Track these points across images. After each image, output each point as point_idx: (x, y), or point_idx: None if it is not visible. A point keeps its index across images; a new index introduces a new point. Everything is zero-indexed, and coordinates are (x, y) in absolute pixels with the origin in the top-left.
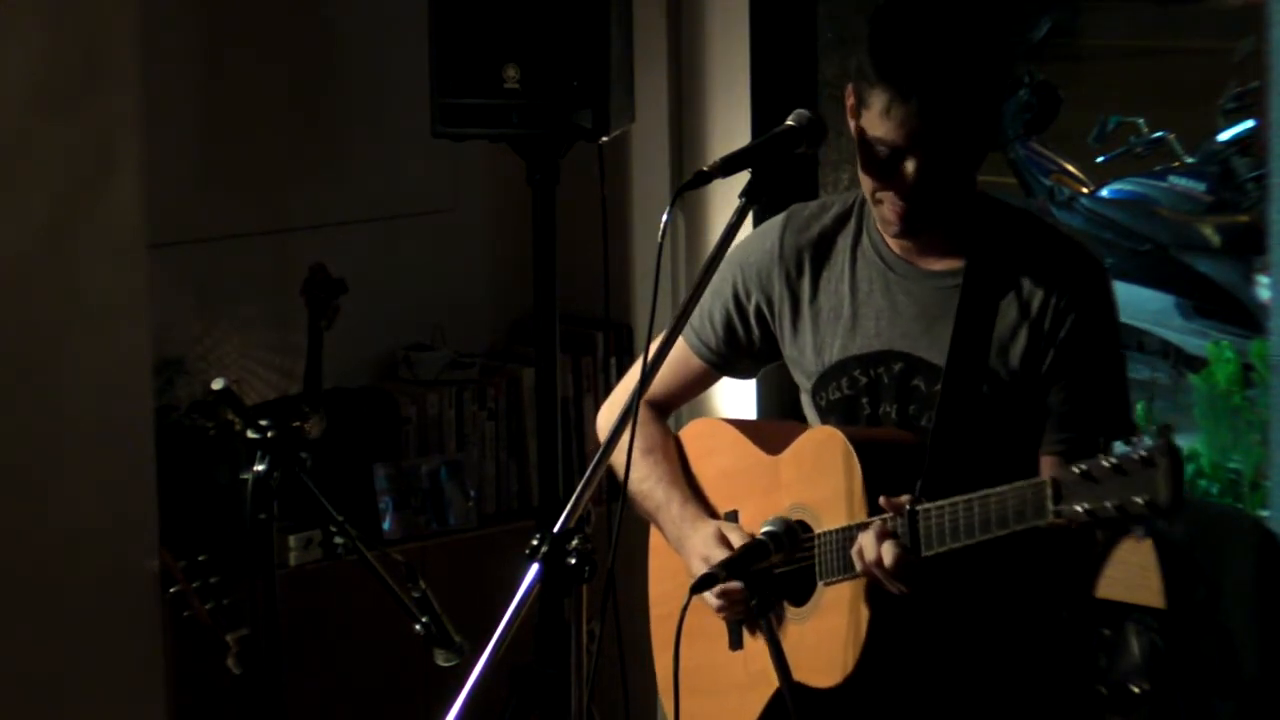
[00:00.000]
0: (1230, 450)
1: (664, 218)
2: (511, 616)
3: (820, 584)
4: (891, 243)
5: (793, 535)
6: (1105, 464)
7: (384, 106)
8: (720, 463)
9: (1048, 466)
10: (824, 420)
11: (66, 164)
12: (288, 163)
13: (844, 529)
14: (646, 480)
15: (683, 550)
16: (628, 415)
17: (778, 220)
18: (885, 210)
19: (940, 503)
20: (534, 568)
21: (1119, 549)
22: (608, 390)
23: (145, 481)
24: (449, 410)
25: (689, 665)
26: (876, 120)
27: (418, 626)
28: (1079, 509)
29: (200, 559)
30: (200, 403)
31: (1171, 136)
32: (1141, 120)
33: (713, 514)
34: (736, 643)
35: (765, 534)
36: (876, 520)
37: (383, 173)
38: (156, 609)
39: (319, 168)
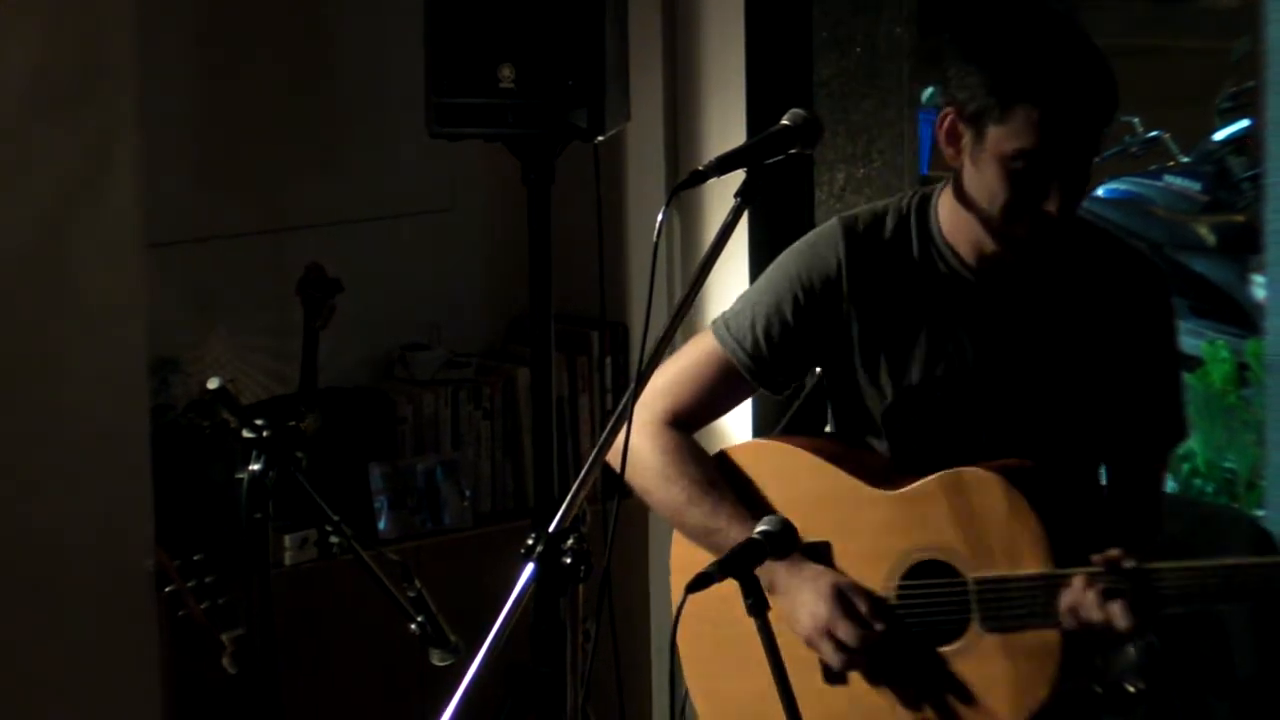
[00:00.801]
0: (1225, 450)
1: (659, 217)
2: (507, 616)
3: (978, 629)
4: (965, 254)
5: (789, 535)
6: None
7: (380, 106)
8: (798, 490)
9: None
10: (896, 441)
11: (65, 164)
12: (284, 162)
13: (1025, 577)
14: (715, 516)
15: (783, 597)
16: (623, 417)
17: (833, 235)
18: (1018, 229)
19: (1176, 565)
20: (529, 567)
21: None
22: (603, 389)
23: (141, 481)
24: (445, 410)
25: (751, 693)
26: (1021, 132)
27: (413, 626)
28: None
29: (195, 558)
30: (196, 402)
31: (1167, 136)
32: (1137, 120)
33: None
34: (838, 677)
35: (760, 533)
36: (1079, 575)
37: (379, 172)
38: (152, 608)
39: (315, 167)
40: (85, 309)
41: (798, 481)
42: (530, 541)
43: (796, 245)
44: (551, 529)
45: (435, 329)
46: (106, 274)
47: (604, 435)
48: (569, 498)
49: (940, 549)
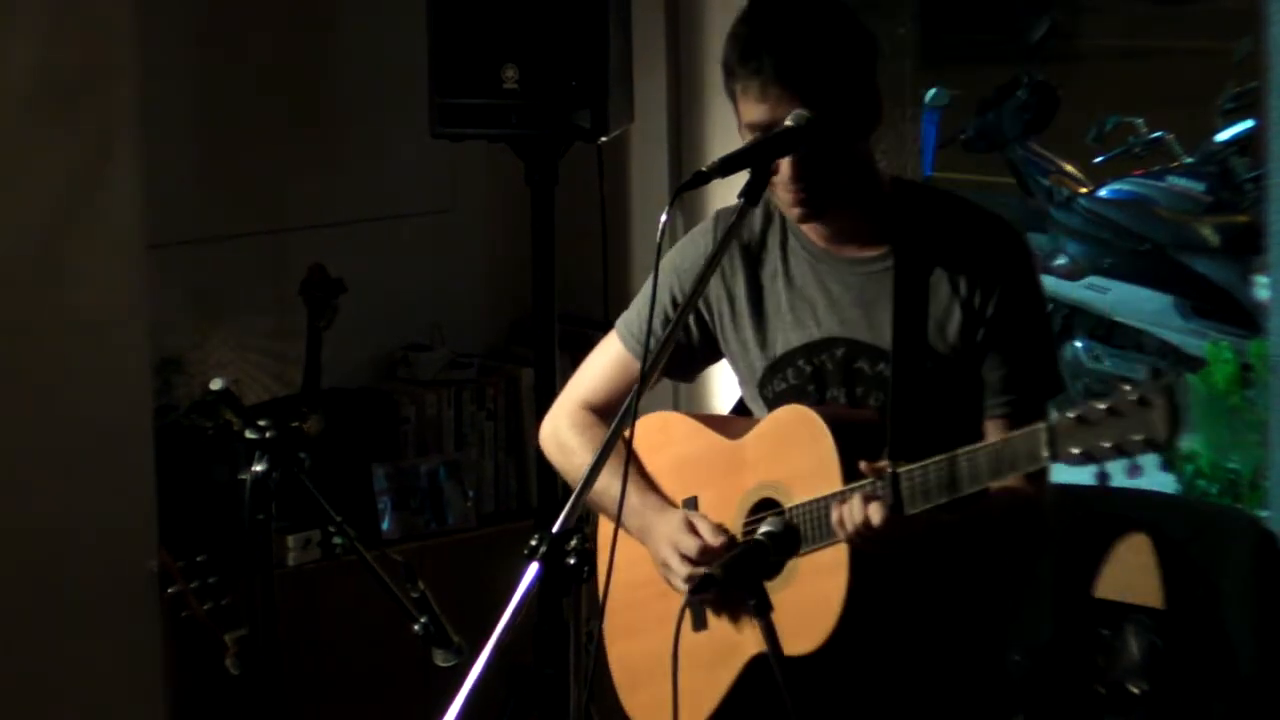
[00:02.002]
0: (1229, 451)
1: (662, 218)
2: (510, 616)
3: (796, 556)
4: (814, 236)
5: (792, 535)
6: (1100, 408)
7: (383, 106)
8: (676, 453)
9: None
10: (772, 409)
11: (66, 164)
12: (286, 163)
13: (821, 499)
14: (602, 478)
15: (649, 538)
16: (626, 415)
17: (705, 225)
18: (782, 194)
19: (923, 463)
20: (532, 567)
21: (1117, 549)
22: None
23: (144, 482)
24: (448, 410)
25: (645, 652)
26: (751, 108)
27: (416, 627)
28: (1074, 451)
29: (199, 559)
30: (199, 403)
31: (1170, 137)
32: (1140, 120)
33: (670, 504)
34: (701, 623)
35: (764, 534)
36: (854, 488)
37: (381, 173)
38: (155, 609)
39: (318, 168)
40: (87, 310)
41: (673, 446)
42: (533, 542)
43: (680, 242)
44: (554, 529)
45: (437, 330)
46: (108, 275)
47: (608, 435)
48: (572, 498)
49: (769, 485)
